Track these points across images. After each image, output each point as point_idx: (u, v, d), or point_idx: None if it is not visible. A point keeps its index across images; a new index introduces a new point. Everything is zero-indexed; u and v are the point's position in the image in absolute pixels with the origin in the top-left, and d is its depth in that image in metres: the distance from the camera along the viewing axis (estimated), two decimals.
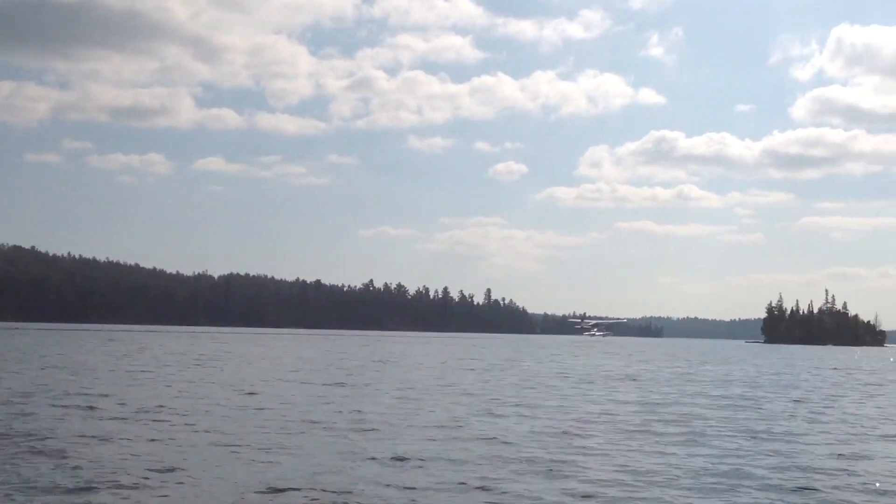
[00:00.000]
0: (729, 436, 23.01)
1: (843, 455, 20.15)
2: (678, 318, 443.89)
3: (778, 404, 33.74)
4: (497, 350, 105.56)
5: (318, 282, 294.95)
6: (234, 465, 17.11)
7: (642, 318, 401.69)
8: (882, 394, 42.69)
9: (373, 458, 18.06)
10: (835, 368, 77.71)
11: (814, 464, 18.83)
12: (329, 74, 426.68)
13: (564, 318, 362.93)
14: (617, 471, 17.45)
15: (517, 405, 30.09)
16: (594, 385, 43.04)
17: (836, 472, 17.90)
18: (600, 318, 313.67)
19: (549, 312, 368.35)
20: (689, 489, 15.86)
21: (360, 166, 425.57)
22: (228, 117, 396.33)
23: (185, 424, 22.64)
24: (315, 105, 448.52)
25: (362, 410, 26.93)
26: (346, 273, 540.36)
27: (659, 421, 26.09)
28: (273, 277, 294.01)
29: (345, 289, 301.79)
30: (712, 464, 18.46)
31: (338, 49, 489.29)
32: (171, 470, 16.28)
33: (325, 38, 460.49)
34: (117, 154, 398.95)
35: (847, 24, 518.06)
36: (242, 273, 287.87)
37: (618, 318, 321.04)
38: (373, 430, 22.36)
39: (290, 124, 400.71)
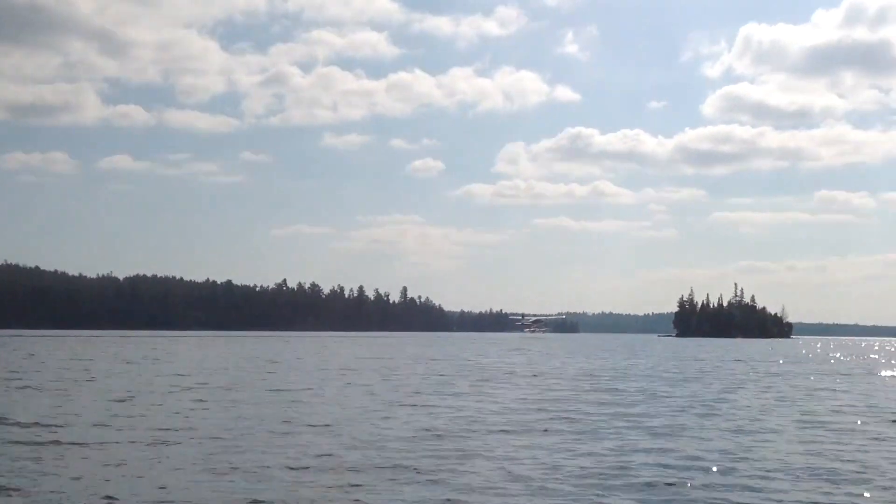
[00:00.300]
0: (614, 433, 21.45)
1: (726, 450, 18.83)
2: (594, 314, 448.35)
3: (673, 399, 32.40)
4: (406, 349, 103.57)
5: (229, 282, 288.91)
6: None
7: (558, 313, 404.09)
8: (773, 386, 41.85)
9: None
10: (738, 360, 77.76)
11: (688, 461, 17.41)
12: (241, 70, 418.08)
13: (480, 314, 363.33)
14: (490, 472, 15.52)
15: (411, 405, 28.18)
16: (490, 382, 41.30)
17: (709, 468, 16.62)
18: (540, 315, 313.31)
19: (466, 310, 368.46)
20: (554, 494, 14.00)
21: (274, 164, 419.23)
22: (136, 114, 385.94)
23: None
24: (227, 102, 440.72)
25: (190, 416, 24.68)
26: (259, 273, 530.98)
27: (546, 419, 24.32)
28: (182, 279, 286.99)
29: (257, 289, 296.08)
30: (591, 463, 16.92)
31: (250, 44, 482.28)
32: None
33: (237, 33, 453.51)
34: (17, 153, 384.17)
35: (755, 22, 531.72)
36: (150, 274, 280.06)
37: (558, 315, 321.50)
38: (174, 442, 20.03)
39: (201, 121, 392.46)
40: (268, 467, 16.16)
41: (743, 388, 39.09)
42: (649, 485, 14.90)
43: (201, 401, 28.90)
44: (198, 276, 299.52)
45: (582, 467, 16.48)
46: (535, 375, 47.24)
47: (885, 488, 14.89)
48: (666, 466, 16.63)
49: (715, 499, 14.02)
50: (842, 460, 17.58)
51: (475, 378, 44.11)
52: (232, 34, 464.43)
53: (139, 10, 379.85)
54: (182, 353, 77.88)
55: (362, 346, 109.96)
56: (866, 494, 14.41)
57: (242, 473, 15.62)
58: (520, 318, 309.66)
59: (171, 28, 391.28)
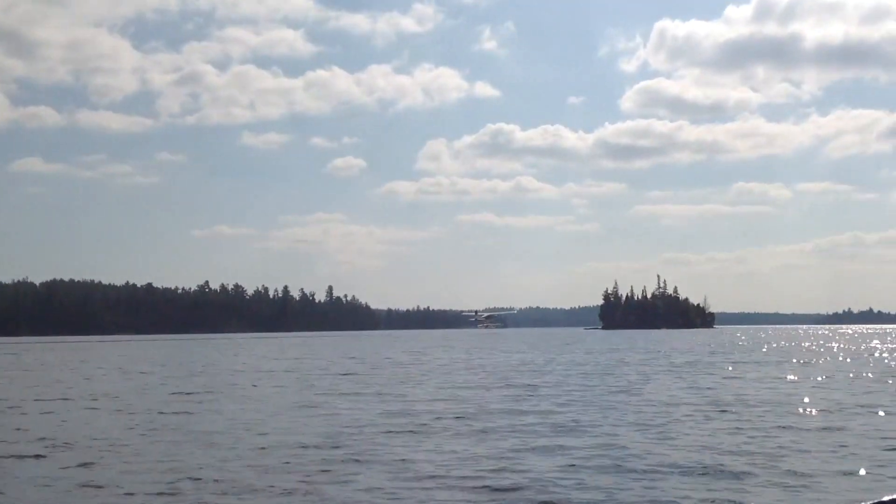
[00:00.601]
0: (507, 431, 20.45)
1: (607, 444, 18.01)
2: (520, 308, 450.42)
3: (578, 393, 31.65)
4: (329, 349, 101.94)
5: (149, 285, 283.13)
6: None
7: (485, 309, 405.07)
8: (681, 377, 41.52)
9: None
10: (659, 351, 77.98)
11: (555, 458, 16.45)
12: (155, 69, 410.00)
13: (408, 311, 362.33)
14: (342, 484, 14.34)
15: (310, 407, 26.95)
16: (398, 381, 40.26)
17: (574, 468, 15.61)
18: (493, 310, 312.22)
19: (394, 307, 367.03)
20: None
21: (192, 164, 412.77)
22: (47, 115, 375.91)
23: None
24: (141, 101, 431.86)
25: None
26: (180, 275, 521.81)
27: (434, 419, 23.30)
28: (101, 282, 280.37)
29: (179, 291, 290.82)
30: (462, 465, 15.82)
31: (163, 43, 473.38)
32: None
33: (149, 32, 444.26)
34: None
35: (668, 18, 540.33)
36: (67, 279, 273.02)
37: (509, 310, 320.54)
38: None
39: (114, 122, 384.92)
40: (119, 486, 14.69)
41: (652, 380, 38.59)
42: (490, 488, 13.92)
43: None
44: (117, 279, 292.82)
45: (452, 469, 15.44)
46: (448, 373, 46.35)
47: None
48: (526, 471, 15.49)
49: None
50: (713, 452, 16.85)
51: (387, 377, 42.91)
52: (143, 33, 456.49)
53: (47, 9, 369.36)
54: (52, 362, 75.27)
55: (283, 347, 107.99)
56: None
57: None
58: (473, 314, 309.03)
59: (81, 27, 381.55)
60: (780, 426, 20.61)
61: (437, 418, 23.34)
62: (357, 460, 16.69)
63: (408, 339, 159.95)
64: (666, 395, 29.24)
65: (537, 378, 40.29)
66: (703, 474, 14.70)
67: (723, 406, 25.41)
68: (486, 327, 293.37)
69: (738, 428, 20.48)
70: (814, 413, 23.44)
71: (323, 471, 15.64)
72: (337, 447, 18.36)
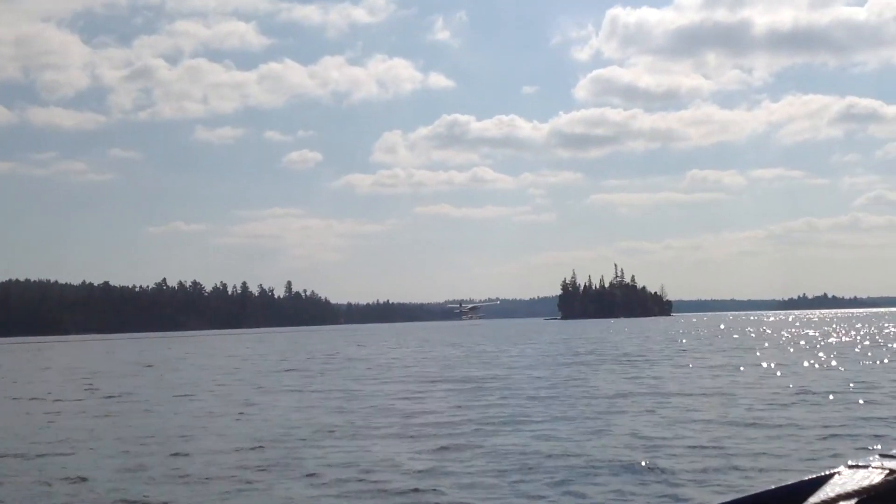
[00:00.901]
0: (416, 432, 20.10)
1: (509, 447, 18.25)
2: (480, 300, 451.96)
3: (516, 389, 31.94)
4: (285, 344, 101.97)
5: (106, 283, 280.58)
6: None
7: (444, 301, 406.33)
8: (627, 367, 42.05)
9: None
10: (607, 342, 78.61)
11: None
12: (105, 64, 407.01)
13: (368, 305, 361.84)
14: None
15: (236, 413, 26.95)
16: (324, 377, 40.22)
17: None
18: (477, 303, 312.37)
19: (353, 301, 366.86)
20: None
21: (146, 160, 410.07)
22: None
23: None
24: (92, 97, 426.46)
25: None
26: (137, 273, 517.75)
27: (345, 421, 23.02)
28: (57, 282, 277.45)
29: (136, 289, 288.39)
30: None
31: (113, 37, 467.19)
32: None
33: (98, 26, 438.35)
34: None
35: (620, 6, 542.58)
36: (22, 279, 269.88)
37: (492, 301, 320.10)
38: None
39: (66, 118, 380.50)
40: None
41: (597, 372, 38.98)
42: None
43: None
44: (74, 278, 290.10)
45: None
46: (388, 368, 46.56)
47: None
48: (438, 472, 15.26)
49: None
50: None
51: (333, 374, 43.08)
52: (93, 27, 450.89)
53: None
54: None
55: (240, 343, 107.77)
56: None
57: None
58: (457, 305, 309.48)
59: (29, 23, 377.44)
60: (706, 419, 20.97)
61: (367, 417, 23.51)
62: (271, 467, 16.36)
63: (370, 333, 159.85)
64: (608, 388, 29.75)
65: (484, 371, 40.73)
66: (626, 471, 14.63)
67: (660, 398, 25.95)
68: (470, 318, 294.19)
69: (663, 419, 21.00)
70: (749, 404, 23.82)
71: (233, 477, 15.44)
72: (255, 451, 18.23)
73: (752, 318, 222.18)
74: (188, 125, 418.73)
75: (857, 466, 2.25)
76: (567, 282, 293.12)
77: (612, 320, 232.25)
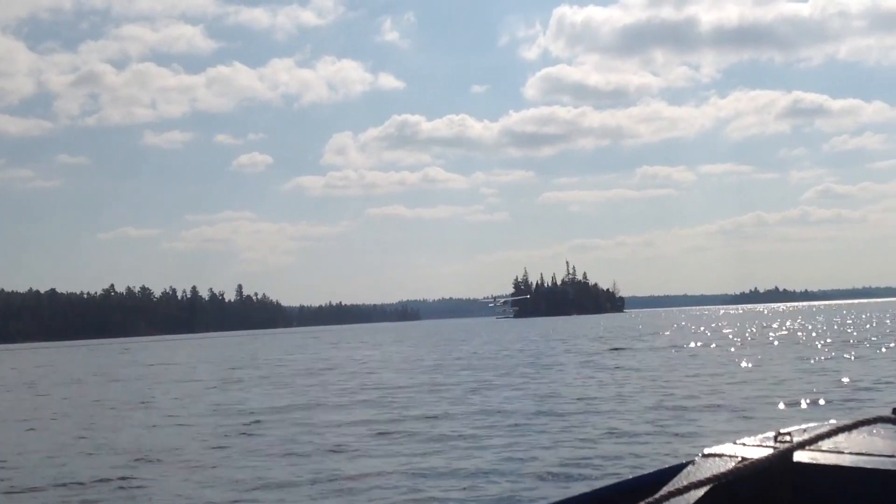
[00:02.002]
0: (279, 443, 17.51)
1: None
2: (434, 300, 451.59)
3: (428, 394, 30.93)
4: (225, 350, 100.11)
5: (53, 291, 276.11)
6: None
7: (398, 302, 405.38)
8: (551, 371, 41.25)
9: None
10: (562, 340, 77.89)
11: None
12: (51, 70, 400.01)
13: (320, 307, 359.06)
14: None
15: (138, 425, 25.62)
16: (242, 383, 38.41)
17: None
18: (507, 297, 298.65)
19: (306, 304, 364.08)
20: None
21: (94, 166, 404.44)
22: None
23: None
24: (38, 103, 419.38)
25: None
26: (86, 280, 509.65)
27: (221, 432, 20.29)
28: (2, 289, 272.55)
29: (84, 296, 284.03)
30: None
31: (59, 43, 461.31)
32: None
33: (43, 32, 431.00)
34: None
35: (566, 5, 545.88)
36: None
37: (523, 295, 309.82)
38: None
39: (11, 125, 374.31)
40: None
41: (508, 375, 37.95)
42: None
43: None
44: (20, 286, 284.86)
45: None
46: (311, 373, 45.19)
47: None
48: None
49: None
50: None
51: (246, 381, 41.50)
52: (38, 33, 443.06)
53: None
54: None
55: (182, 349, 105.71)
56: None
57: None
58: (491, 300, 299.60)
59: None
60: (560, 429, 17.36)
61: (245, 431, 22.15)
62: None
63: (313, 335, 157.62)
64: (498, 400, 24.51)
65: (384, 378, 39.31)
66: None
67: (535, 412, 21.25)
68: (504, 312, 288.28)
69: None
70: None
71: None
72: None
73: (705, 312, 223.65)
74: (136, 130, 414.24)
75: (712, 455, 2.31)
76: (519, 280, 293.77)
77: (565, 317, 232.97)
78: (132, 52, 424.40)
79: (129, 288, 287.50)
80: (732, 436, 2.38)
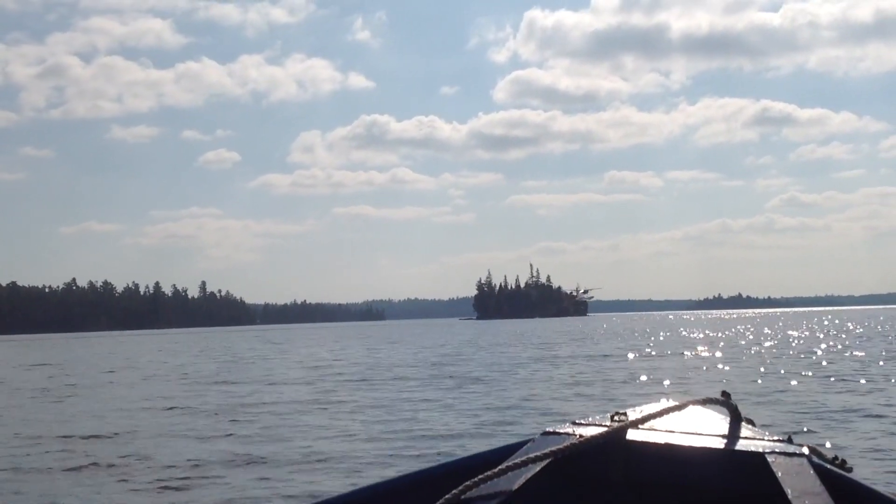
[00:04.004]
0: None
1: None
2: (399, 301, 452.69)
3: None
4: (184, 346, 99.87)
5: (13, 284, 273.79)
6: None
7: (363, 302, 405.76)
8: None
9: None
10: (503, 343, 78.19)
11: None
12: (17, 62, 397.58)
13: (285, 305, 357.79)
14: None
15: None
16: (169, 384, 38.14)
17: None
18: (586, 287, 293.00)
19: (270, 302, 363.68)
20: None
21: (59, 159, 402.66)
22: None
23: None
24: (3, 95, 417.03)
25: None
26: (48, 274, 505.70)
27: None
28: None
29: (45, 290, 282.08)
30: None
31: (25, 34, 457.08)
32: None
33: (11, 23, 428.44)
34: None
35: (538, 8, 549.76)
36: None
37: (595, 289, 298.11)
38: None
39: None
40: None
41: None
42: None
43: None
44: None
45: None
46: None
47: None
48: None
49: None
50: None
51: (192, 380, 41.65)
52: (4, 23, 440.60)
53: None
54: None
55: (107, 346, 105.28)
56: None
57: None
58: (576, 292, 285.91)
59: None
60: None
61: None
62: None
63: (272, 333, 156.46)
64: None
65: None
66: None
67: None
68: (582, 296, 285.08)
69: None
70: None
71: None
72: None
73: (670, 317, 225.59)
74: (103, 124, 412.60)
75: (552, 433, 2.41)
76: (483, 282, 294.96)
77: (526, 320, 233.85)
78: (100, 44, 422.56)
79: (91, 282, 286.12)
80: (572, 416, 2.55)
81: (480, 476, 2.12)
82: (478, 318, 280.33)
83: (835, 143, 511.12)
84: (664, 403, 2.51)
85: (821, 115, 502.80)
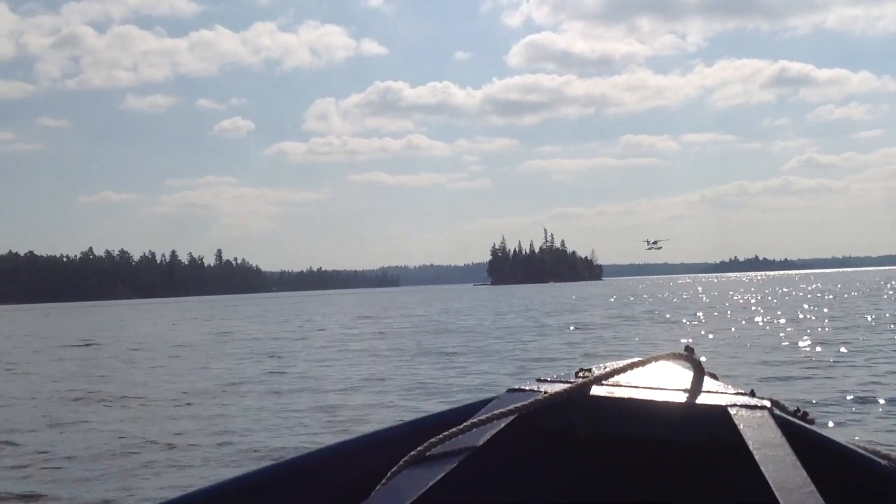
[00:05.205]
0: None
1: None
2: (414, 267, 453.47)
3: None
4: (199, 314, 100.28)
5: (31, 253, 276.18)
6: None
7: (379, 268, 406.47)
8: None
9: None
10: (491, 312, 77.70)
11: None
12: (32, 32, 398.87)
13: (301, 273, 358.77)
14: None
15: None
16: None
17: None
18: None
19: (286, 269, 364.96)
20: None
21: (76, 129, 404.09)
22: None
23: None
24: (19, 65, 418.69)
25: None
26: (66, 243, 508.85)
27: None
28: None
29: (64, 259, 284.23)
30: None
31: (39, 4, 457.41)
32: None
33: None
34: None
35: None
36: None
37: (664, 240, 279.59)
38: None
39: None
40: None
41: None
42: None
43: None
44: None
45: None
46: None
47: None
48: None
49: None
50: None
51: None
52: None
53: None
54: None
55: (153, 311, 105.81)
56: None
57: None
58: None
59: None
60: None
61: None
62: None
63: (285, 303, 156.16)
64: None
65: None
66: None
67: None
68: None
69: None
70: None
71: None
72: None
73: (678, 281, 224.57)
74: (118, 94, 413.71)
75: (517, 390, 2.43)
76: (496, 247, 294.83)
77: (541, 285, 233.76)
78: (114, 14, 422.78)
79: (107, 251, 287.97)
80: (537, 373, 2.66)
81: (445, 433, 2.12)
82: (492, 284, 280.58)
83: (853, 104, 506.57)
84: (629, 359, 2.53)
85: (839, 76, 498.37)
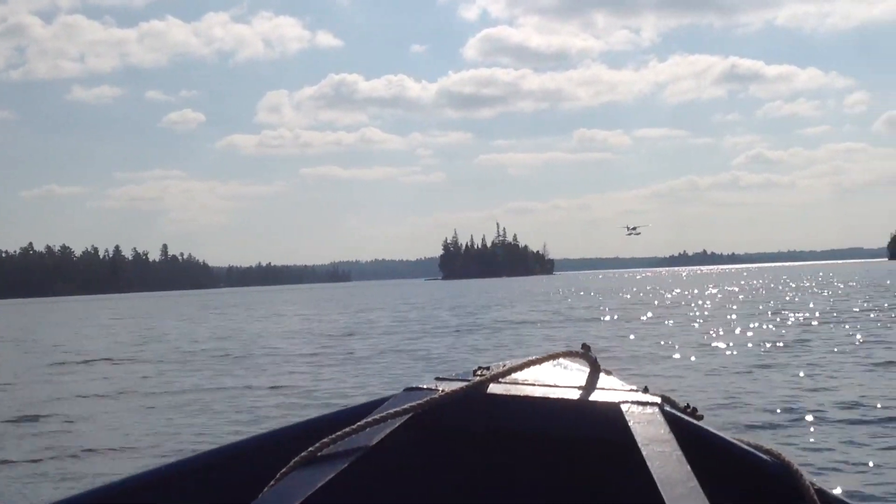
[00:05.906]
0: None
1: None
2: (366, 261, 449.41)
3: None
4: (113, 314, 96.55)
5: None
6: None
7: (330, 263, 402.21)
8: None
9: None
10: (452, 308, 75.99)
11: None
12: None
13: (249, 268, 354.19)
14: None
15: None
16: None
17: None
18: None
19: (234, 265, 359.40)
20: None
21: (19, 121, 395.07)
22: None
23: None
24: None
25: None
26: (6, 238, 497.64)
27: None
28: None
29: (3, 255, 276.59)
30: None
31: None
32: None
33: None
34: None
35: None
36: None
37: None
38: None
39: None
40: None
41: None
42: None
43: None
44: None
45: None
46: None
47: None
48: None
49: None
50: None
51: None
52: None
53: None
54: None
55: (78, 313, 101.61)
56: None
57: None
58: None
59: None
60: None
61: None
62: None
63: (222, 300, 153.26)
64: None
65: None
66: None
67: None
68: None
69: None
70: None
71: None
72: None
73: (625, 276, 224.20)
74: (64, 84, 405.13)
75: (414, 389, 2.43)
76: (448, 241, 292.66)
77: (491, 279, 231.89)
78: (62, 3, 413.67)
79: (48, 246, 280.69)
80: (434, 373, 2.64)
81: (338, 433, 2.11)
82: (444, 278, 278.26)
83: (801, 100, 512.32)
84: (527, 357, 2.53)
85: (788, 72, 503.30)
